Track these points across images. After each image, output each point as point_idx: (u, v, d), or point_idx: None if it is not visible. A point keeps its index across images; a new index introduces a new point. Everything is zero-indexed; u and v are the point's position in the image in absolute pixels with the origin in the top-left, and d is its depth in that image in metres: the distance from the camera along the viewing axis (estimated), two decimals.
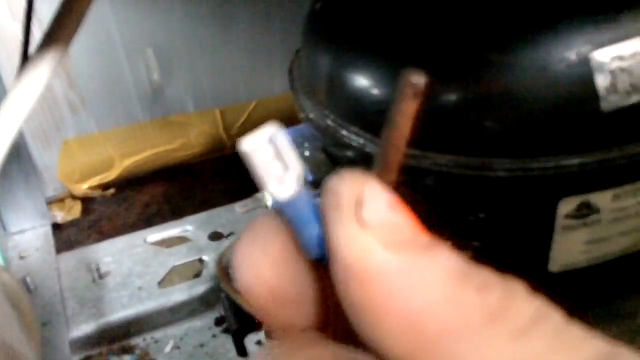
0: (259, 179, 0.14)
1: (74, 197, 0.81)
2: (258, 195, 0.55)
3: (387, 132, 0.16)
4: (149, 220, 0.78)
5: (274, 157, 0.14)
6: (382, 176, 0.16)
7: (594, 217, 0.45)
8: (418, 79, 0.15)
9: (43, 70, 0.30)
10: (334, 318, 0.14)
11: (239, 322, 0.47)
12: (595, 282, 0.50)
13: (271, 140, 0.14)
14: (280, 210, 0.14)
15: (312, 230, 0.14)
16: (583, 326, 0.12)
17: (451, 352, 0.12)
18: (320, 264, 0.14)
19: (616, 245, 0.47)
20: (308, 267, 0.14)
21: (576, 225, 0.45)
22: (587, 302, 0.52)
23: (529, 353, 0.12)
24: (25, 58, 0.31)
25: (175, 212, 0.78)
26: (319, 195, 0.14)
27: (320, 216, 0.14)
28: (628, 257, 0.48)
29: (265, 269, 0.14)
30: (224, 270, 0.53)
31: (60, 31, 0.31)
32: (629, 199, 0.44)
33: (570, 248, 0.46)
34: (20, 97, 0.29)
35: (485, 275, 0.12)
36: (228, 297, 0.49)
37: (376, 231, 0.13)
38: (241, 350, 0.47)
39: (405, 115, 0.16)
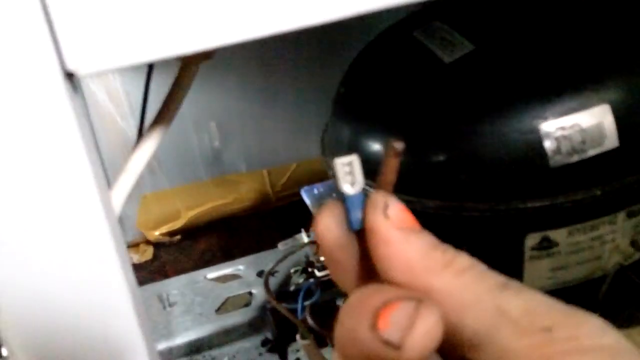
0: (337, 180, 0.21)
1: (147, 242, 0.91)
2: (297, 236, 0.67)
3: (378, 180, 0.21)
4: (205, 266, 0.84)
5: (349, 171, 0.21)
6: None
7: (554, 249, 0.53)
8: (398, 144, 0.21)
9: (153, 142, 0.43)
10: (363, 261, 0.21)
11: (280, 331, 0.59)
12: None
13: (350, 162, 0.21)
14: (343, 200, 0.21)
15: (356, 215, 0.21)
16: (496, 273, 0.19)
17: (425, 280, 0.19)
18: (355, 233, 0.21)
19: (575, 273, 0.55)
20: (349, 231, 0.21)
21: (541, 256, 0.54)
22: None
23: (462, 281, 0.19)
24: (140, 135, 0.44)
25: (227, 259, 0.84)
26: (365, 196, 0.21)
27: (361, 208, 0.20)
28: (587, 284, 0.56)
29: (331, 226, 0.21)
30: (269, 288, 0.63)
31: (167, 112, 0.44)
32: (581, 235, 0.53)
33: (538, 275, 0.55)
34: (136, 165, 0.42)
35: (445, 245, 0.20)
36: (272, 311, 0.60)
37: (393, 220, 0.20)
38: (282, 354, 0.59)
39: (389, 168, 0.21)
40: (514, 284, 0.19)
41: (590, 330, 0.18)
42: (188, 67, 0.45)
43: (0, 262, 0.29)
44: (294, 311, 0.59)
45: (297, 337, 0.56)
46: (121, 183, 0.42)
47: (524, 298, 0.18)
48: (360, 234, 0.21)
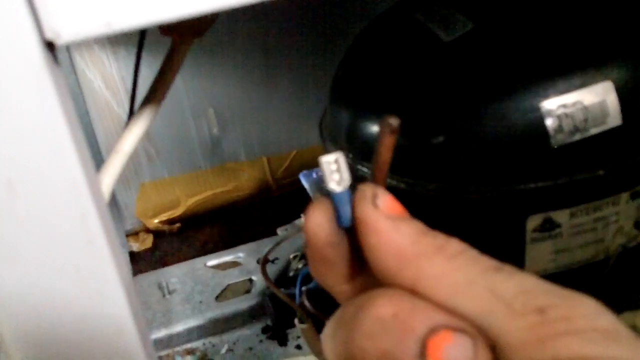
0: (324, 178, 0.21)
1: (147, 230, 0.91)
2: (296, 222, 0.66)
3: (374, 159, 0.21)
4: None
5: (336, 169, 0.20)
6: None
7: (556, 230, 0.52)
8: (393, 120, 0.20)
9: (143, 124, 0.42)
10: (352, 258, 0.21)
11: (278, 316, 0.59)
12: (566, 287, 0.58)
13: (336, 160, 0.20)
14: (332, 197, 0.21)
15: (345, 211, 0.21)
16: (489, 257, 0.19)
17: (418, 265, 0.19)
18: (345, 229, 0.21)
19: (578, 255, 0.54)
20: (338, 228, 0.21)
21: (543, 238, 0.53)
22: None
23: (455, 265, 0.19)
24: (131, 114, 0.44)
25: (229, 248, 0.84)
26: (352, 193, 0.20)
27: (350, 203, 0.20)
28: (590, 266, 0.55)
29: (322, 223, 0.21)
30: (266, 273, 0.63)
31: (157, 92, 0.43)
32: (584, 217, 0.52)
33: (540, 257, 0.54)
34: (126, 145, 0.42)
35: (436, 232, 0.20)
36: (272, 297, 0.60)
37: (382, 209, 0.20)
38: (282, 341, 0.59)
39: (385, 146, 0.21)
40: (507, 267, 0.19)
41: (584, 312, 0.17)
42: (178, 45, 0.44)
43: None
44: (292, 297, 0.59)
45: (295, 321, 0.55)
46: (111, 164, 0.41)
47: (517, 280, 0.18)
48: (349, 231, 0.21)
